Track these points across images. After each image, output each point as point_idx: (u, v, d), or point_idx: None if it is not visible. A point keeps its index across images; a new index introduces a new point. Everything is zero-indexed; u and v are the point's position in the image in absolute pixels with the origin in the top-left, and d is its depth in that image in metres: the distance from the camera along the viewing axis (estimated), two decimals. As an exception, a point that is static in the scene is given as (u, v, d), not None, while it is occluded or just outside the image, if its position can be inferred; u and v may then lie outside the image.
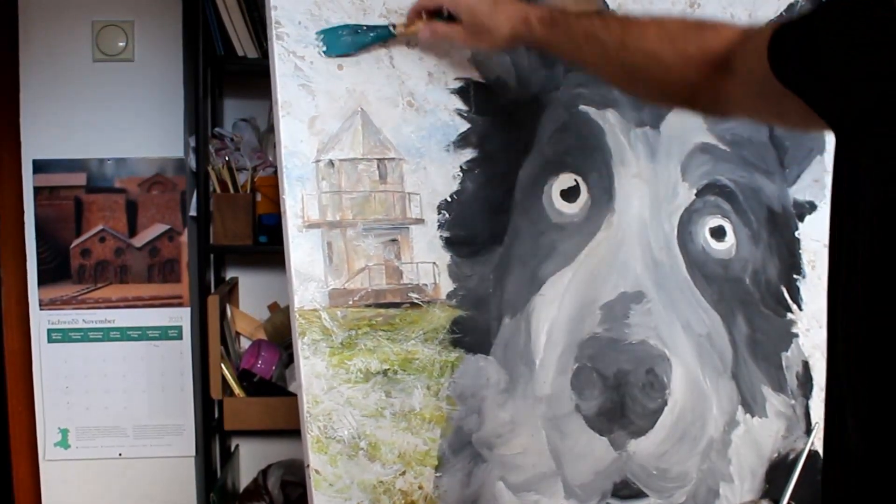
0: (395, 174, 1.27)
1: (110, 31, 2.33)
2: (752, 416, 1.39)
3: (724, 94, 1.02)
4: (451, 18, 1.22)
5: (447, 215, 1.28)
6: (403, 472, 1.22)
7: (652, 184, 1.37)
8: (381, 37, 1.26)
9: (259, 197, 2.33)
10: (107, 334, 2.39)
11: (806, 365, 1.43)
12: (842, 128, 0.79)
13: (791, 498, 1.40)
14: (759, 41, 0.90)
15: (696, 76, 1.04)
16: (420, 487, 1.23)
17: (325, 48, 1.24)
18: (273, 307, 2.54)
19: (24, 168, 2.35)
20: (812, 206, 1.46)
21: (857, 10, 0.76)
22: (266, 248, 2.32)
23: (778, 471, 1.41)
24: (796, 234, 1.46)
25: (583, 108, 1.36)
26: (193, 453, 2.44)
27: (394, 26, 1.26)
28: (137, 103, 2.36)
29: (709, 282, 1.39)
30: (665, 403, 1.32)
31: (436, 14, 1.24)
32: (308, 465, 1.18)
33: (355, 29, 1.25)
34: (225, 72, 2.45)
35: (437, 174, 1.28)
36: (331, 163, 1.23)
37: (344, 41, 1.25)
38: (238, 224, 2.29)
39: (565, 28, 1.15)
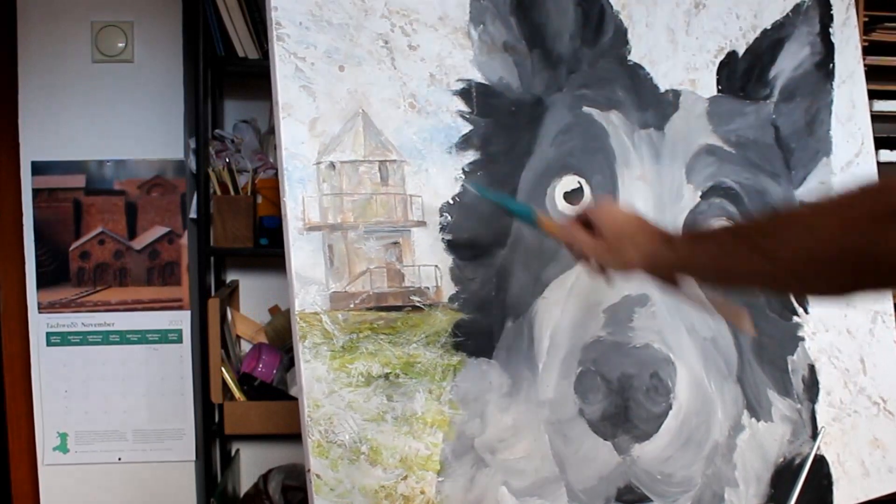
0: (397, 176, 1.26)
1: (110, 31, 2.32)
2: (758, 420, 1.39)
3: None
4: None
5: (449, 218, 1.27)
6: (405, 477, 1.21)
7: (656, 186, 1.37)
8: (522, 215, 1.23)
9: (260, 199, 2.32)
10: (106, 337, 2.38)
11: (812, 369, 1.43)
12: None
13: (797, 503, 1.39)
14: None
15: (867, 241, 0.88)
16: (422, 492, 1.22)
17: (479, 187, 1.27)
18: (274, 310, 2.54)
19: (23, 170, 2.34)
20: (818, 209, 1.45)
21: None
22: (267, 251, 2.31)
23: (783, 475, 1.40)
24: (802, 236, 1.44)
25: (586, 109, 1.36)
26: (193, 458, 2.43)
27: (538, 212, 1.22)
28: (137, 105, 2.35)
29: (714, 285, 1.37)
30: (669, 407, 1.32)
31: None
32: (309, 470, 1.17)
33: (507, 198, 1.29)
34: (225, 73, 2.45)
35: (438, 176, 1.27)
36: (332, 165, 1.22)
37: (495, 194, 1.27)
38: (238, 226, 2.29)
39: (710, 238, 1.05)
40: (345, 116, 1.24)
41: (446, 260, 1.26)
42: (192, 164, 2.29)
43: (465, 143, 1.29)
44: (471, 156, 1.29)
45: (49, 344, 2.36)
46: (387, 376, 1.21)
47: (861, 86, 1.58)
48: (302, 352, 1.17)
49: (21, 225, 2.34)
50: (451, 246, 1.27)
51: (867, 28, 2.11)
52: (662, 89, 1.40)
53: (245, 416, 2.23)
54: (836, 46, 1.53)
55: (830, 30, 1.52)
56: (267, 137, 2.40)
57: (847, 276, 0.92)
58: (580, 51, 1.36)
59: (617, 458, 1.30)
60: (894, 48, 2.18)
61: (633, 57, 1.39)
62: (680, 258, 1.04)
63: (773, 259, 0.95)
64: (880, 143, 1.97)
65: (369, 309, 1.22)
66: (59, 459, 2.39)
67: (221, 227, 2.28)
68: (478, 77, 1.31)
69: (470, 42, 1.31)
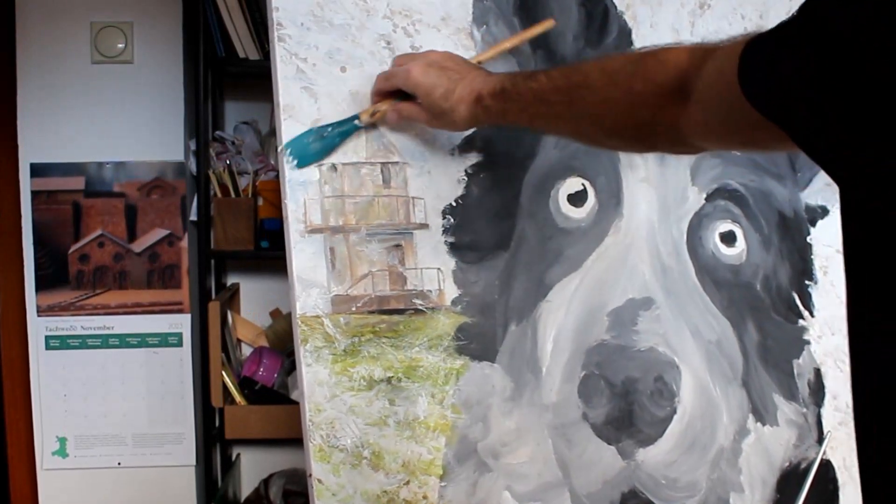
0: (399, 178, 1.25)
1: (109, 32, 2.32)
2: (763, 424, 1.38)
3: (685, 125, 0.94)
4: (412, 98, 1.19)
5: (452, 220, 1.26)
6: (407, 482, 1.20)
7: (660, 188, 1.36)
8: (349, 132, 1.22)
9: (261, 201, 2.32)
10: (106, 341, 2.38)
11: (818, 372, 1.42)
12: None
13: (803, 508, 1.38)
14: (723, 60, 0.82)
15: (649, 113, 0.97)
16: (424, 497, 1.21)
17: (295, 162, 1.19)
18: (275, 313, 2.54)
19: (22, 172, 2.34)
20: (824, 211, 1.45)
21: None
22: (268, 254, 2.31)
23: (789, 480, 1.39)
24: (808, 239, 1.44)
25: (590, 110, 1.34)
26: (194, 462, 2.43)
27: (359, 117, 1.22)
28: (137, 106, 2.35)
29: (718, 288, 1.37)
30: (674, 411, 1.31)
31: (398, 95, 1.20)
32: (310, 475, 1.16)
33: (320, 132, 1.21)
34: (226, 74, 2.45)
35: (441, 178, 1.27)
36: (333, 167, 1.21)
37: (312, 149, 1.20)
38: (239, 229, 2.29)
39: (515, 96, 1.10)
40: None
41: (449, 263, 1.25)
42: (193, 166, 2.29)
43: (467, 144, 1.28)
44: (473, 157, 1.28)
45: (48, 347, 2.36)
46: (389, 380, 1.20)
47: (867, 86, 1.57)
48: (303, 355, 1.16)
49: (20, 227, 2.35)
50: (454, 248, 1.26)
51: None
52: (667, 90, 1.39)
53: (246, 420, 2.23)
54: (842, 47, 1.52)
55: (836, 30, 1.51)
56: (268, 139, 2.40)
57: (635, 141, 1.07)
58: (584, 51, 1.35)
59: (621, 463, 1.29)
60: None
61: (638, 58, 1.38)
62: (493, 117, 1.14)
63: (571, 122, 1.08)
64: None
65: (371, 312, 1.21)
66: (58, 464, 2.38)
67: (222, 229, 2.28)
68: (481, 78, 1.30)
69: (473, 43, 1.30)
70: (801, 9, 0.69)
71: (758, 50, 0.77)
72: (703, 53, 0.90)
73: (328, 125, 1.21)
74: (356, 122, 1.22)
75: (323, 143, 1.21)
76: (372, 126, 1.23)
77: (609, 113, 1.02)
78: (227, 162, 2.31)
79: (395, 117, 1.21)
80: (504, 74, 1.17)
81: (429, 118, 1.19)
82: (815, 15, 0.68)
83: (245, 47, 2.24)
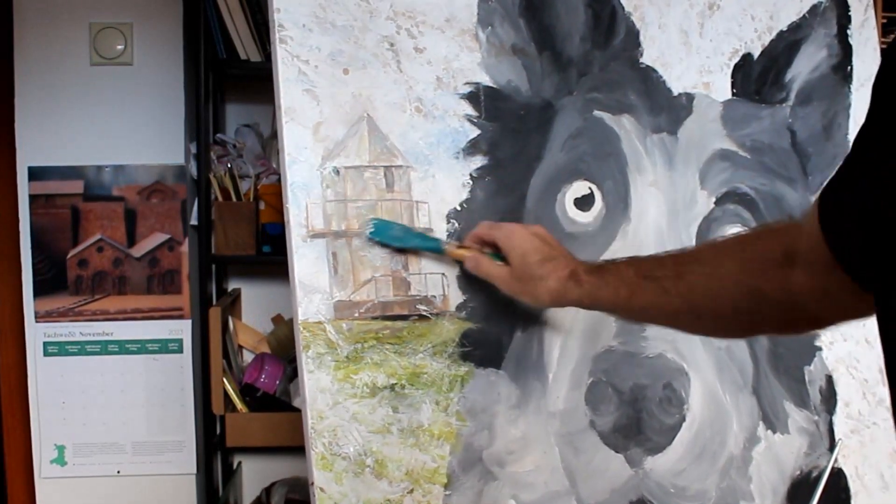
0: (403, 182, 1.23)
1: (108, 33, 2.31)
2: (774, 432, 1.37)
3: (796, 293, 0.90)
4: (503, 258, 1.18)
5: (456, 224, 1.25)
6: (411, 491, 1.18)
7: (669, 192, 1.35)
8: (427, 248, 1.22)
9: (262, 205, 2.31)
10: (105, 347, 2.37)
11: (830, 379, 1.41)
12: None
13: (814, 517, 1.37)
14: (813, 211, 0.80)
15: (763, 282, 0.94)
16: (428, 506, 1.20)
17: (372, 230, 1.20)
18: (277, 319, 2.53)
19: (20, 175, 2.34)
20: (836, 215, 1.44)
21: None
22: (269, 259, 2.31)
23: (800, 489, 1.38)
24: (819, 243, 1.43)
25: (597, 113, 1.34)
26: (194, 471, 2.42)
27: (444, 246, 1.21)
28: (136, 108, 2.35)
29: (728, 293, 1.36)
30: (683, 419, 1.30)
31: (490, 247, 1.20)
32: (312, 483, 1.14)
33: (406, 230, 1.21)
34: (227, 76, 2.44)
35: (445, 182, 1.25)
36: (336, 170, 1.20)
37: (391, 234, 1.21)
38: (240, 233, 2.28)
39: (616, 273, 1.08)
40: (349, 121, 1.22)
41: (453, 268, 1.24)
42: (193, 170, 2.29)
43: (472, 147, 1.27)
44: (478, 161, 1.27)
45: (46, 354, 2.36)
46: (392, 387, 1.18)
47: (880, 89, 1.57)
48: (305, 362, 1.15)
49: (17, 232, 2.34)
50: (459, 253, 1.24)
51: (886, 30, 2.10)
52: (675, 93, 1.39)
53: (247, 427, 2.22)
54: (853, 48, 1.51)
55: (848, 31, 1.50)
56: (270, 142, 2.39)
57: (745, 317, 0.99)
58: (591, 53, 1.34)
59: (629, 471, 1.28)
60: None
61: (646, 59, 1.38)
62: (586, 295, 1.10)
63: (678, 299, 1.02)
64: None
65: (374, 318, 1.19)
66: (56, 472, 2.38)
67: (223, 234, 2.27)
68: (486, 80, 1.29)
69: (478, 44, 1.29)
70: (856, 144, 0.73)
71: (831, 192, 0.79)
72: (804, 214, 0.89)
73: (418, 232, 1.22)
74: (439, 247, 1.22)
75: (402, 238, 1.21)
76: (377, 130, 1.22)
77: (719, 285, 0.98)
78: (229, 165, 2.30)
79: (473, 265, 1.19)
80: (604, 260, 1.18)
81: (511, 282, 1.16)
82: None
83: (246, 49, 2.23)
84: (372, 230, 1.20)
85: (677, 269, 1.03)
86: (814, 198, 1.42)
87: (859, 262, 0.75)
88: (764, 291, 0.94)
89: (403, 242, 1.21)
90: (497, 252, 1.18)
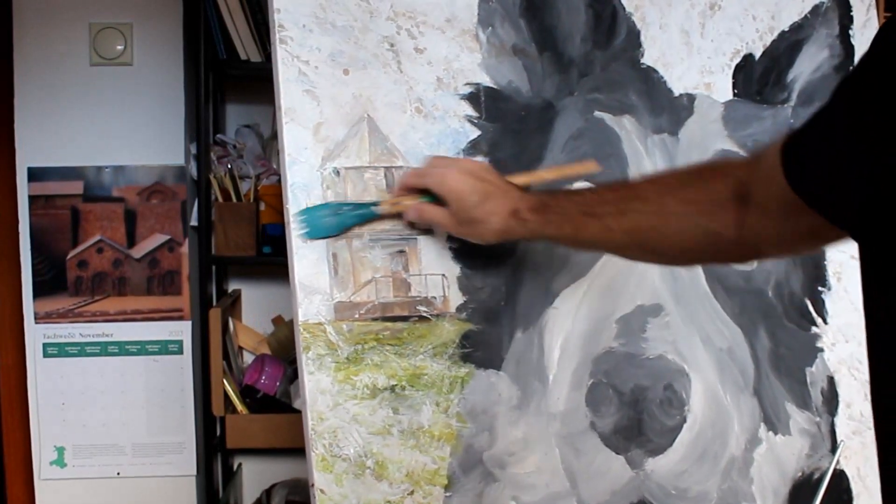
0: (403, 183, 1.23)
1: (108, 33, 2.31)
2: (775, 433, 1.37)
3: (749, 232, 0.94)
4: (440, 200, 1.16)
5: (456, 225, 1.25)
6: (412, 492, 1.18)
7: (670, 192, 1.35)
8: (365, 216, 1.20)
9: (262, 206, 2.31)
10: (104, 349, 2.37)
11: (831, 381, 1.41)
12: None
13: (816, 519, 1.37)
14: (772, 158, 0.83)
15: (707, 221, 0.97)
16: (429, 508, 1.20)
17: (306, 230, 1.17)
18: (277, 320, 2.53)
19: (19, 176, 2.33)
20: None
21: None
22: (270, 260, 2.30)
23: (802, 490, 1.38)
24: (821, 244, 1.43)
25: (598, 114, 1.33)
26: (194, 472, 2.42)
27: (377, 204, 1.20)
28: (136, 109, 2.34)
29: (730, 294, 1.36)
30: (684, 420, 1.30)
31: (424, 193, 1.18)
32: (313, 485, 1.14)
33: (336, 209, 1.18)
34: (227, 76, 2.44)
35: (446, 183, 1.25)
36: (336, 171, 1.20)
37: (325, 223, 1.18)
38: (241, 234, 2.27)
39: (559, 211, 1.09)
40: (349, 121, 1.22)
41: (454, 269, 1.24)
42: (193, 170, 2.29)
43: (473, 148, 1.27)
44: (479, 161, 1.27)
45: (46, 355, 2.35)
46: (393, 388, 1.18)
47: (881, 89, 1.56)
48: (305, 363, 1.15)
49: (17, 233, 2.34)
50: (459, 254, 1.24)
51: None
52: (676, 93, 1.38)
53: (247, 429, 2.22)
54: (855, 49, 1.50)
55: (850, 31, 1.50)
56: (270, 142, 2.39)
57: (693, 252, 1.03)
58: (592, 53, 1.34)
59: (630, 473, 1.28)
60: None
61: (647, 60, 1.37)
62: (530, 232, 1.12)
63: (623, 235, 1.04)
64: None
65: (375, 319, 1.19)
66: (56, 474, 2.38)
67: (223, 234, 2.27)
68: (486, 81, 1.29)
69: (478, 45, 1.29)
70: (836, 96, 0.74)
71: (799, 143, 0.81)
72: (756, 158, 0.91)
73: (345, 204, 1.19)
74: (374, 209, 1.20)
75: (337, 219, 1.19)
76: (377, 131, 1.21)
77: (664, 223, 1.01)
78: (229, 166, 2.30)
79: (415, 215, 1.18)
80: (543, 191, 1.16)
81: (454, 225, 1.15)
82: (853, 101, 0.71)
83: (247, 49, 2.23)
84: (306, 230, 1.17)
85: (619, 206, 1.04)
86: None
87: (837, 207, 0.77)
88: (715, 230, 0.97)
89: (340, 225, 1.19)
90: (433, 196, 1.17)
